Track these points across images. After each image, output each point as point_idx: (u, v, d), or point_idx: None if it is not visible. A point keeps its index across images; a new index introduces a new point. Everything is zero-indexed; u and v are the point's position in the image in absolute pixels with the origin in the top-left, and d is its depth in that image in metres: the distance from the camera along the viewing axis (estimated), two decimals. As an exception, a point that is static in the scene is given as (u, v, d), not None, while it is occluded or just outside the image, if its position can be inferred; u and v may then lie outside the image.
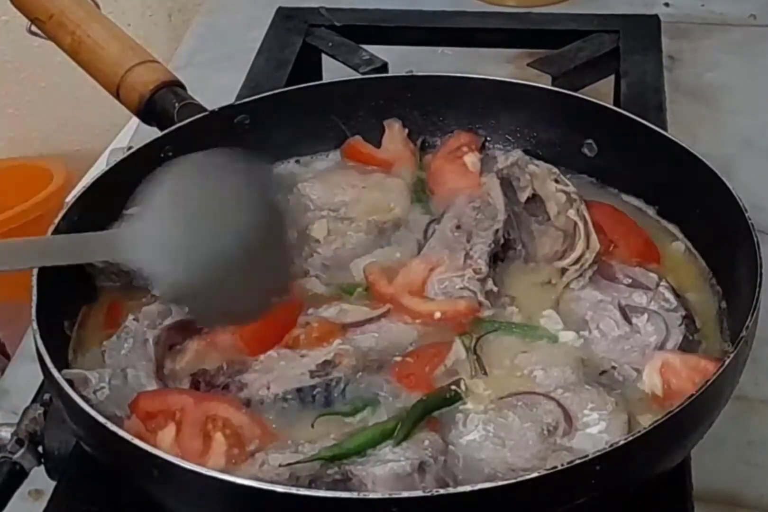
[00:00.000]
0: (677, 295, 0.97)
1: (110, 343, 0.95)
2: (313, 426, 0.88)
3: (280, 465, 0.83)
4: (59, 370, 0.86)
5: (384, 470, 0.82)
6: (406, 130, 1.19)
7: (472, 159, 1.14)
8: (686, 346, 0.94)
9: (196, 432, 0.87)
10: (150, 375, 0.91)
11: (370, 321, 0.97)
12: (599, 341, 0.95)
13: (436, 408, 0.88)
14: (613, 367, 0.93)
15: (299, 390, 0.90)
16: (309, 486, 0.81)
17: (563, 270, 1.01)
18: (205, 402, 0.89)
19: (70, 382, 0.87)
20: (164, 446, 0.85)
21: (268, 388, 0.91)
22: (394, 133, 1.19)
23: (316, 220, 1.08)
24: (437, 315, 0.97)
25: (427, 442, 0.84)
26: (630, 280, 0.99)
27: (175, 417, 0.87)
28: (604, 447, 0.78)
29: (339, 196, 1.11)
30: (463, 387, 0.90)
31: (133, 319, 0.95)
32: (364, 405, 0.90)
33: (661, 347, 0.94)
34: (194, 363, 0.94)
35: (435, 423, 0.87)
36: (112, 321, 1.01)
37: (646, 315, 0.95)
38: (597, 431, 0.86)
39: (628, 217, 1.09)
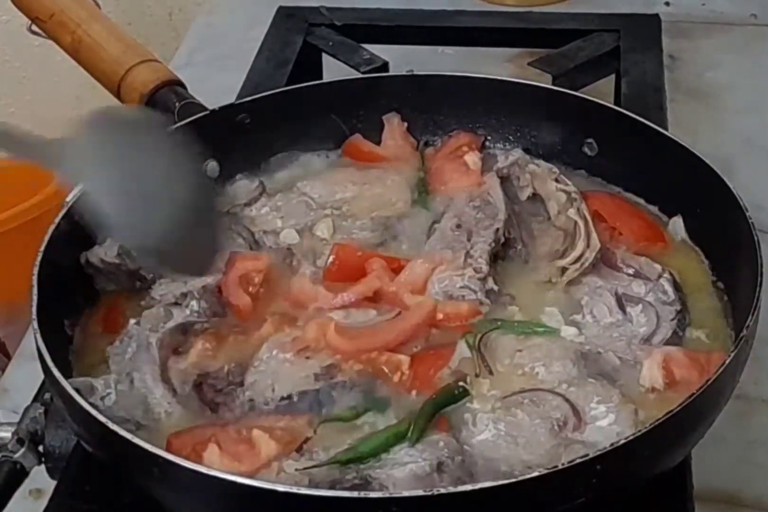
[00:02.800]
0: (677, 290, 0.98)
1: (113, 349, 0.95)
2: (315, 431, 0.88)
3: (296, 470, 0.83)
4: (60, 370, 0.86)
5: (404, 472, 0.82)
6: (405, 124, 1.19)
7: (473, 158, 1.14)
8: (673, 342, 0.94)
9: (236, 441, 0.87)
10: (156, 378, 0.91)
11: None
12: (590, 326, 0.96)
13: (444, 405, 0.88)
14: (599, 353, 0.93)
15: (303, 392, 0.90)
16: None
17: (563, 269, 1.01)
18: (231, 424, 0.89)
19: (76, 391, 0.86)
20: (214, 463, 0.84)
21: (273, 390, 0.91)
22: (394, 127, 1.19)
23: (320, 220, 1.08)
24: (439, 316, 0.97)
25: (441, 443, 0.84)
26: (633, 270, 0.99)
27: (211, 440, 0.87)
28: (616, 439, 0.78)
29: (339, 193, 1.11)
30: (469, 383, 0.90)
31: (135, 323, 0.95)
32: (366, 409, 0.89)
33: (647, 339, 0.94)
34: (198, 364, 0.94)
35: (445, 425, 0.87)
36: (113, 321, 1.01)
37: (640, 306, 0.96)
38: (607, 423, 0.86)
39: (626, 202, 1.10)
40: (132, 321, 0.96)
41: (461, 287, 0.98)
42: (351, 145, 1.19)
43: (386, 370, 0.91)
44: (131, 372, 0.92)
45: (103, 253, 1.02)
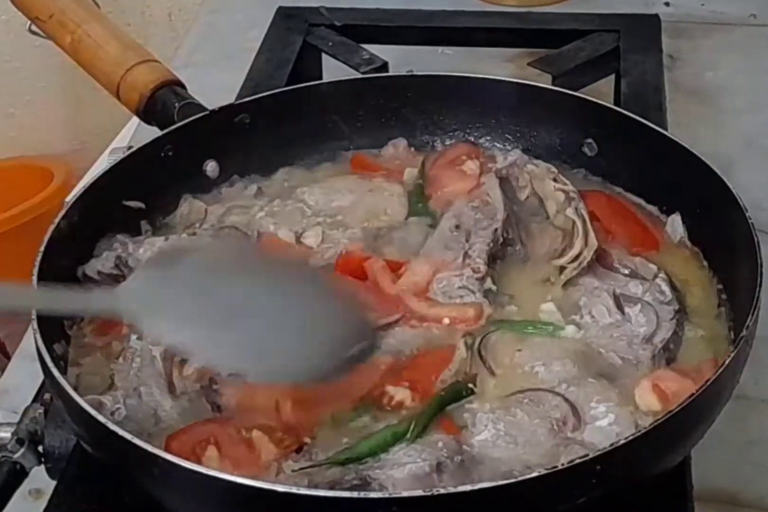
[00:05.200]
0: (674, 289, 0.98)
1: (118, 366, 0.94)
2: (316, 437, 0.87)
3: (294, 471, 0.83)
4: (60, 371, 0.86)
5: (403, 472, 0.82)
6: (412, 149, 1.19)
7: (470, 165, 1.13)
8: (674, 341, 0.94)
9: (236, 442, 0.86)
10: (163, 390, 0.91)
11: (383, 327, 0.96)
12: (590, 327, 0.96)
13: (449, 403, 0.89)
14: (599, 353, 0.93)
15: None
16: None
17: (561, 268, 1.01)
18: (230, 421, 0.89)
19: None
20: (213, 466, 0.84)
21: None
22: (399, 152, 1.19)
23: (310, 227, 1.07)
24: (446, 321, 0.97)
25: (441, 444, 0.84)
26: (629, 270, 0.99)
27: (210, 442, 0.87)
28: (615, 439, 0.78)
29: (337, 201, 1.11)
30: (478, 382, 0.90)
31: (137, 338, 0.95)
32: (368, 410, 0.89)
33: (649, 339, 0.94)
34: (202, 369, 0.93)
35: (446, 425, 0.87)
36: (112, 323, 1.00)
37: (639, 306, 0.96)
38: (606, 423, 0.86)
39: (623, 205, 1.10)
40: (133, 336, 0.95)
41: (459, 287, 0.98)
42: (356, 159, 1.19)
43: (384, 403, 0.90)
44: (138, 386, 0.91)
45: (100, 264, 1.02)
